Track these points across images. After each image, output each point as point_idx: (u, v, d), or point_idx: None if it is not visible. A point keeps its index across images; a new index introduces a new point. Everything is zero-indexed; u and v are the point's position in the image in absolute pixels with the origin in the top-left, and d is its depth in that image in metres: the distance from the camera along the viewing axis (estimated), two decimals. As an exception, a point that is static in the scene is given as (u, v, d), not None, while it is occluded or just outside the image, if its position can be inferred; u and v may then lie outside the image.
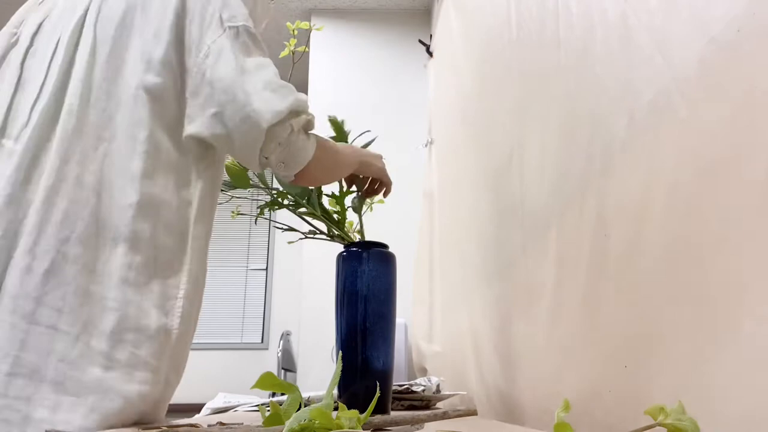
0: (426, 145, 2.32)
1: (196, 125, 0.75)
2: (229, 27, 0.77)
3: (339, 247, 0.93)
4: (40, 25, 0.82)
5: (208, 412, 1.16)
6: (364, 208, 0.99)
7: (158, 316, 0.71)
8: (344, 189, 0.98)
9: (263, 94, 0.73)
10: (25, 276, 0.66)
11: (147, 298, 0.71)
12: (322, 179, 0.90)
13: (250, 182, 0.95)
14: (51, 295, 0.66)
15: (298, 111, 0.75)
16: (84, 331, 0.66)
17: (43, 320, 0.65)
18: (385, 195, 1.02)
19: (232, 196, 1.02)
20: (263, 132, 0.72)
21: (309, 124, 0.79)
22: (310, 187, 0.95)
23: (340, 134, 0.98)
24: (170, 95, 0.76)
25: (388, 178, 1.00)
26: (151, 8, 0.78)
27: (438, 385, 1.18)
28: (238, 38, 0.76)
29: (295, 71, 1.02)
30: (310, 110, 0.79)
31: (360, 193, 0.98)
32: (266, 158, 0.76)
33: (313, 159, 0.79)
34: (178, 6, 0.77)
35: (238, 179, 0.94)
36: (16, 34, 0.83)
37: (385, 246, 0.90)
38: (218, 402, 1.19)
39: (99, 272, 0.69)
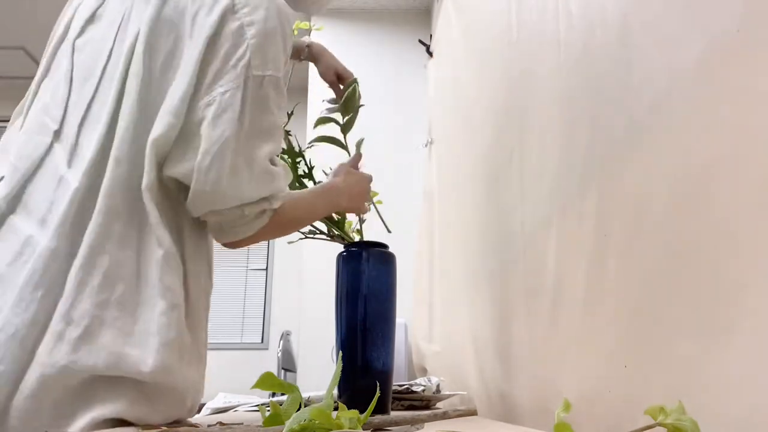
0: (426, 145, 2.32)
1: (178, 168, 0.70)
2: (254, 76, 0.69)
3: (339, 247, 0.93)
4: (92, 16, 0.77)
5: (208, 412, 1.16)
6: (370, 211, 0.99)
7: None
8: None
9: (242, 175, 0.69)
10: (58, 342, 0.62)
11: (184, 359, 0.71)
12: (280, 235, 0.85)
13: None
14: (80, 364, 0.62)
15: (262, 198, 0.72)
16: None
17: None
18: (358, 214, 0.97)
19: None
20: (212, 206, 0.71)
21: (266, 214, 0.74)
22: None
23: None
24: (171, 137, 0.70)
25: (360, 210, 0.95)
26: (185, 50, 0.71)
27: (438, 385, 1.18)
28: (260, 90, 0.70)
29: (295, 71, 1.02)
30: (282, 191, 0.75)
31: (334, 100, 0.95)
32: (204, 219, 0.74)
33: (261, 231, 0.76)
34: (210, 36, 0.69)
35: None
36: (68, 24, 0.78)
37: (385, 246, 0.90)
38: (218, 402, 1.19)
39: (136, 333, 0.65)
